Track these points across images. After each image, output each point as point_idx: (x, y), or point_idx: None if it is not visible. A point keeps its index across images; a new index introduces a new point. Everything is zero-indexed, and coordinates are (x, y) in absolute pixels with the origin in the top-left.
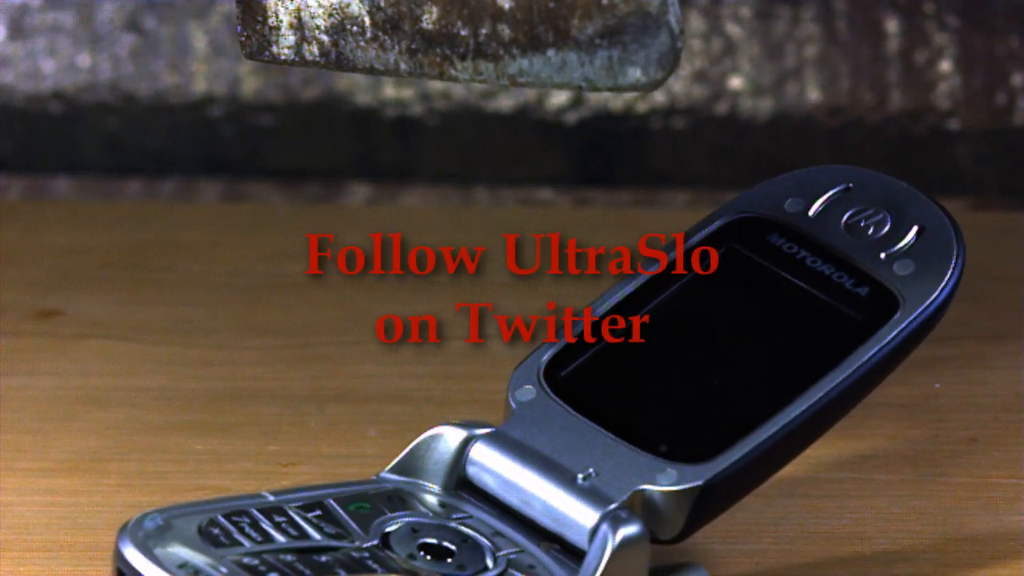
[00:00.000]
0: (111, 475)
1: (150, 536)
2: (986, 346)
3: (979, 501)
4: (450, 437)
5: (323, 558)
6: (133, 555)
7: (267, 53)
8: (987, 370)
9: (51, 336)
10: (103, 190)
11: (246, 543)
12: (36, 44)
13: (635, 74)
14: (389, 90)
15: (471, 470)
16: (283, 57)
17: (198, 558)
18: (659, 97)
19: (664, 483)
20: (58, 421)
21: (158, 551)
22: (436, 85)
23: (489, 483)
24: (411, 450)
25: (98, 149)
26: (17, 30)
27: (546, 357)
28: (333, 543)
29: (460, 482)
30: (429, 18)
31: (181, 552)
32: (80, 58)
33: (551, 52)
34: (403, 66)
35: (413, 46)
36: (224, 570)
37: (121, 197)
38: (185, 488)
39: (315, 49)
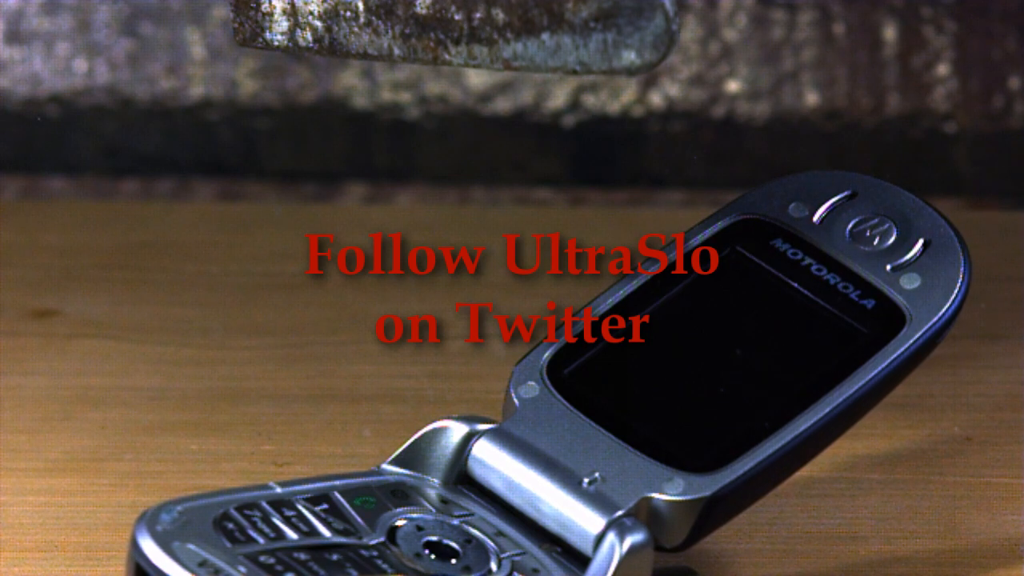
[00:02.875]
0: (107, 475)
1: (168, 531)
2: (982, 345)
3: (975, 500)
4: (453, 432)
5: (334, 556)
6: (154, 552)
7: (260, 40)
8: (983, 369)
9: (47, 336)
10: (99, 190)
11: (260, 539)
12: (33, 48)
13: (630, 57)
14: (386, 93)
15: (474, 467)
16: (276, 43)
17: (217, 556)
18: (656, 100)
19: (671, 492)
20: (54, 421)
21: (176, 546)
22: (433, 88)
23: (491, 481)
24: (413, 443)
25: (95, 153)
26: (14, 34)
27: (548, 354)
28: (342, 540)
29: (460, 477)
30: (423, 2)
31: (199, 548)
32: (77, 62)
33: (545, 36)
34: (397, 51)
35: (407, 31)
36: (243, 570)
37: (117, 196)
38: (181, 488)
39: (308, 35)
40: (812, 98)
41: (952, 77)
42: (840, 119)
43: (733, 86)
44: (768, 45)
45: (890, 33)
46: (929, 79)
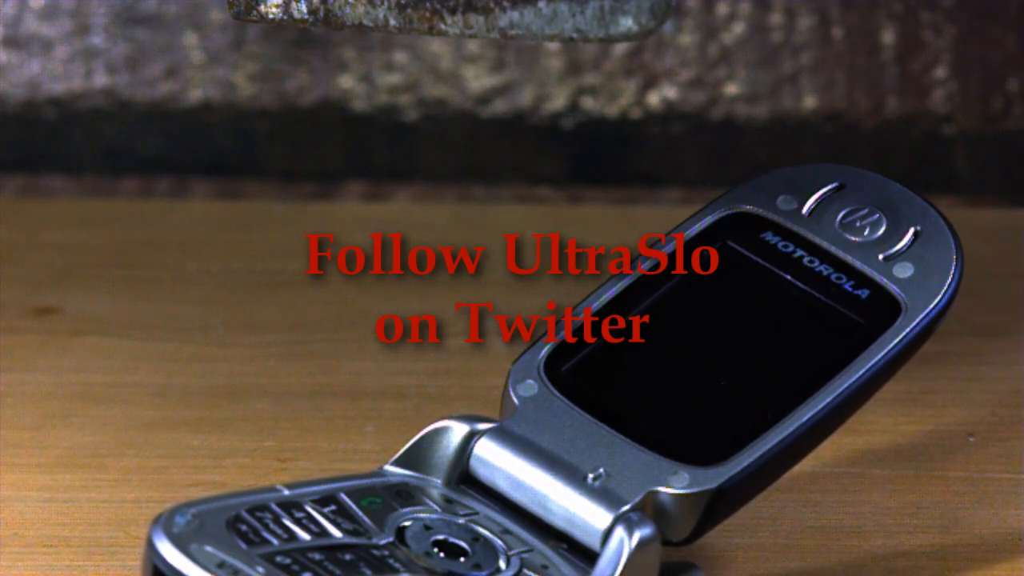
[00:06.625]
0: (109, 471)
1: (184, 533)
2: (982, 342)
3: (977, 496)
4: (454, 432)
5: (347, 556)
6: (172, 554)
7: (255, 12)
8: (983, 366)
9: (48, 333)
10: (99, 189)
11: (274, 541)
12: (31, 51)
13: (627, 23)
14: (384, 96)
15: (476, 466)
16: (271, 16)
17: (234, 558)
18: (655, 102)
19: (677, 486)
20: (55, 418)
21: (193, 548)
22: (431, 90)
23: (495, 480)
24: (415, 444)
25: (95, 156)
26: (12, 38)
27: (545, 352)
28: (353, 540)
29: (462, 476)
30: None
31: (216, 550)
32: (75, 66)
33: (542, 3)
34: (392, 22)
35: (402, 1)
36: (261, 570)
37: (117, 195)
38: (183, 484)
39: (304, 7)
40: (811, 100)
41: (951, 79)
42: (839, 121)
43: (732, 88)
44: (767, 48)
45: (888, 36)
46: (928, 81)
